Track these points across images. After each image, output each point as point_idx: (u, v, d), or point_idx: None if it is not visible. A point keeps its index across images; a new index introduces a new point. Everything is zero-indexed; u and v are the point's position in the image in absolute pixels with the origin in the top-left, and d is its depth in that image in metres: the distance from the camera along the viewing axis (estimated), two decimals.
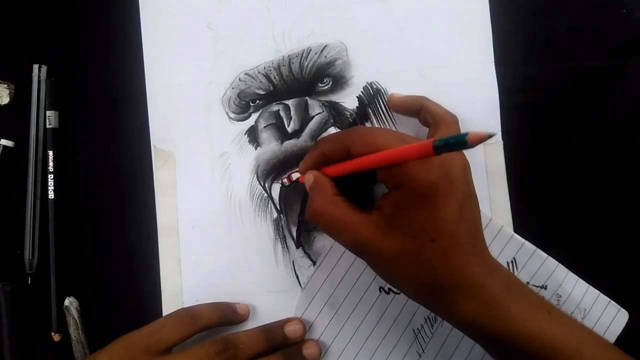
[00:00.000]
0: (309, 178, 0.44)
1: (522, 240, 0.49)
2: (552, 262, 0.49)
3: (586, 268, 0.49)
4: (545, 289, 0.49)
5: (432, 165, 0.39)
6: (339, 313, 0.49)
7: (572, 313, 0.49)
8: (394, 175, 0.41)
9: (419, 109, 0.48)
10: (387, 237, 0.40)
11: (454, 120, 0.47)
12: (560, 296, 0.49)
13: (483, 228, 0.46)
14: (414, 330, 0.49)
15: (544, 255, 0.49)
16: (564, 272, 0.49)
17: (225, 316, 0.48)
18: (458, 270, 0.40)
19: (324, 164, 0.44)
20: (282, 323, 0.49)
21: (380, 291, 0.50)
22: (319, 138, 0.50)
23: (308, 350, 0.48)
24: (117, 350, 0.45)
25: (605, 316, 0.49)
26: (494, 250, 0.48)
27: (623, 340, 0.49)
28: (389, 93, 0.51)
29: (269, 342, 0.47)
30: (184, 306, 0.50)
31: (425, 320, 0.49)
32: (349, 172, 0.43)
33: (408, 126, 0.51)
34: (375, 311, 0.49)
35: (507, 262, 0.49)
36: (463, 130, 0.49)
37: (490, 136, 0.31)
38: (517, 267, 0.49)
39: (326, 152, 0.44)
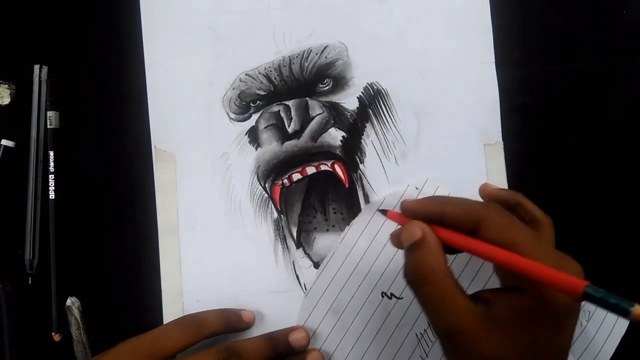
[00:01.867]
0: (415, 230, 0.38)
1: None
2: None
3: (586, 268, 0.49)
4: None
5: (577, 274, 0.35)
6: (342, 319, 0.49)
7: None
8: (520, 277, 0.35)
9: (515, 205, 0.43)
10: (493, 336, 0.35)
11: (550, 223, 0.42)
12: None
13: None
14: (417, 335, 0.49)
15: None
16: None
17: (231, 323, 0.48)
18: None
19: (434, 222, 0.38)
20: (287, 332, 0.48)
21: (382, 296, 0.49)
22: (444, 197, 0.43)
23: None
24: (121, 355, 0.44)
25: (609, 318, 0.49)
26: None
27: (626, 341, 0.49)
28: (482, 184, 0.45)
29: (273, 351, 0.47)
30: (184, 306, 0.50)
31: (428, 325, 0.49)
32: (466, 250, 0.37)
33: (409, 126, 0.51)
34: (378, 316, 0.49)
35: None
36: (465, 131, 0.49)
37: None
38: None
39: (448, 214, 0.38)
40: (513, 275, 0.37)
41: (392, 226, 0.43)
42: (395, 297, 0.49)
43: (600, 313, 0.49)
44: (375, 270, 0.49)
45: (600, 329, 0.49)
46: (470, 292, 0.38)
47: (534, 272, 0.34)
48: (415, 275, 0.37)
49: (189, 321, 0.46)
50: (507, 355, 0.35)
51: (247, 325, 0.49)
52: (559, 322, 0.36)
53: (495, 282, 0.41)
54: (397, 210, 0.41)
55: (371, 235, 0.50)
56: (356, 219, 0.50)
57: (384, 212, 0.44)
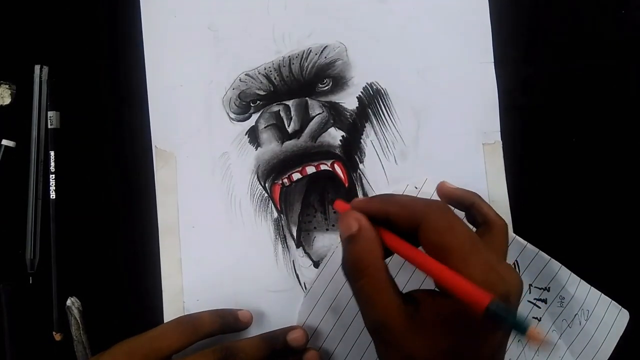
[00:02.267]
0: (352, 223, 0.38)
1: (525, 242, 0.49)
2: (555, 264, 0.49)
3: (585, 268, 0.49)
4: (549, 290, 0.49)
5: (496, 289, 0.34)
6: (342, 318, 0.49)
7: (575, 315, 0.49)
8: None
9: (469, 206, 0.43)
10: (417, 336, 0.35)
11: (503, 227, 0.42)
12: (564, 298, 0.49)
13: None
14: None
15: (547, 257, 0.49)
16: (566, 274, 0.49)
17: (227, 323, 0.48)
18: None
19: (380, 221, 0.38)
20: (285, 331, 0.48)
21: None
22: (389, 196, 0.42)
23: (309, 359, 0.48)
24: (117, 355, 0.44)
25: (608, 317, 0.49)
26: None
27: (625, 340, 0.49)
28: (440, 182, 0.47)
29: (271, 351, 0.47)
30: (185, 305, 0.50)
31: None
32: (399, 254, 0.38)
33: (408, 126, 0.51)
34: None
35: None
36: (464, 131, 0.49)
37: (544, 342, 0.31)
38: (519, 269, 0.49)
39: (391, 213, 0.38)
40: None
41: None
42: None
43: (598, 313, 0.49)
44: None
45: (598, 328, 0.49)
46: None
47: (444, 280, 0.34)
48: (351, 269, 0.38)
49: (185, 322, 0.46)
50: (427, 357, 0.35)
51: (244, 325, 0.49)
52: (480, 334, 0.35)
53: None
54: None
55: None
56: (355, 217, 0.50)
57: (332, 201, 0.44)
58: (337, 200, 0.42)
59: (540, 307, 0.50)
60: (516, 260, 0.49)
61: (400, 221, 0.38)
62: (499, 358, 0.37)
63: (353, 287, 0.38)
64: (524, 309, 0.49)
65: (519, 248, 0.49)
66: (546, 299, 0.49)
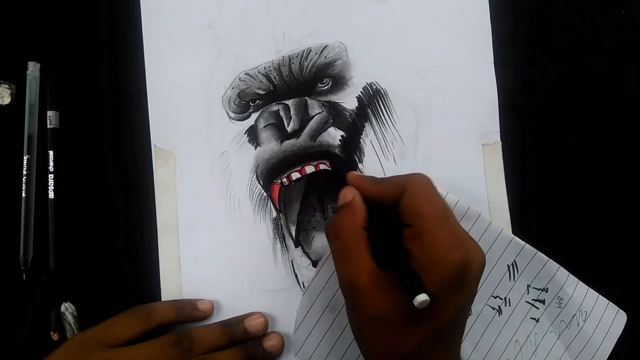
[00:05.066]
0: (347, 194, 0.43)
1: (523, 243, 0.49)
2: (553, 265, 0.49)
3: (584, 268, 0.49)
4: (547, 291, 0.49)
5: (455, 254, 0.38)
6: (340, 316, 0.49)
7: (573, 316, 0.49)
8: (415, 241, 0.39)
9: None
10: (382, 297, 0.38)
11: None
12: (562, 299, 0.49)
13: (483, 231, 0.46)
14: None
15: (545, 258, 0.49)
16: (564, 275, 0.49)
17: (183, 313, 0.48)
18: None
19: (369, 198, 0.43)
20: (243, 318, 0.49)
21: None
22: (377, 178, 0.45)
23: (269, 342, 0.48)
24: (73, 346, 0.46)
25: (606, 318, 0.49)
26: (494, 253, 0.48)
27: (623, 341, 0.49)
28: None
29: (228, 337, 0.47)
30: None
31: None
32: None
33: (408, 126, 0.51)
34: None
35: (508, 265, 0.49)
36: (463, 131, 0.50)
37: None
38: (517, 270, 0.49)
39: (380, 193, 0.42)
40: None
41: None
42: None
43: (596, 314, 0.49)
44: None
45: (596, 329, 0.49)
46: None
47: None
48: (332, 230, 0.41)
49: (138, 310, 0.47)
50: (390, 317, 0.38)
51: (204, 315, 0.49)
52: (441, 300, 0.38)
53: None
54: None
55: None
56: None
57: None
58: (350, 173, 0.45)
59: (538, 308, 0.49)
60: (514, 261, 0.49)
61: (388, 197, 0.41)
62: (460, 321, 0.41)
63: (332, 247, 0.42)
64: (521, 309, 0.49)
65: (517, 249, 0.49)
66: (544, 299, 0.49)
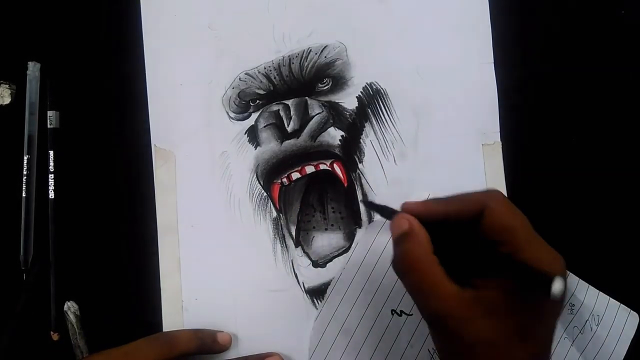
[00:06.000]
0: (403, 222, 0.39)
1: None
2: None
3: (585, 269, 0.49)
4: None
5: (559, 263, 0.37)
6: (353, 339, 0.49)
7: (586, 321, 0.49)
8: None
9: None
10: (478, 320, 0.36)
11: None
12: (574, 305, 0.49)
13: None
14: (429, 351, 0.49)
15: None
16: (575, 281, 0.49)
17: (205, 344, 0.48)
18: None
19: (430, 224, 0.40)
20: (262, 357, 0.48)
21: (392, 314, 0.49)
22: (444, 197, 0.41)
23: None
24: None
25: (618, 321, 0.49)
26: None
27: (637, 343, 0.49)
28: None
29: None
30: (184, 305, 0.50)
31: None
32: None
33: (408, 126, 0.51)
34: (390, 334, 0.49)
35: None
36: (464, 131, 0.50)
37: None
38: None
39: (452, 213, 0.39)
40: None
41: None
42: (406, 313, 0.49)
43: (608, 318, 0.49)
44: (384, 288, 0.49)
45: (610, 332, 0.49)
46: None
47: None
48: (402, 265, 0.39)
49: (160, 339, 0.47)
50: (493, 340, 0.36)
51: (222, 348, 0.49)
52: (541, 310, 0.36)
53: None
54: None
55: (377, 253, 0.50)
56: (361, 238, 0.50)
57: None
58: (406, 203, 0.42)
59: None
60: None
61: (461, 215, 0.39)
62: (552, 338, 0.38)
63: (407, 282, 0.39)
64: None
65: None
66: None
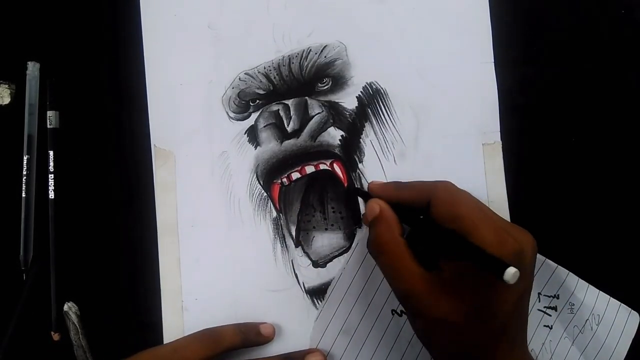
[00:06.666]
0: (375, 207, 0.43)
1: None
2: (562, 271, 0.49)
3: (585, 269, 0.50)
4: (558, 298, 0.49)
5: (508, 247, 0.38)
6: (354, 339, 0.49)
7: (586, 321, 0.49)
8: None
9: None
10: (441, 300, 0.39)
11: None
12: (573, 305, 0.49)
13: None
14: None
15: (554, 265, 0.49)
16: (574, 280, 0.49)
17: (249, 338, 0.48)
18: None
19: (392, 204, 0.44)
20: (303, 353, 0.49)
21: (393, 314, 0.49)
22: (400, 183, 0.48)
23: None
24: None
25: (619, 320, 0.49)
26: None
27: (637, 342, 0.50)
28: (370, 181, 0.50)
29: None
30: (184, 305, 0.50)
31: None
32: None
33: (408, 126, 0.51)
34: (390, 334, 0.49)
35: None
36: (464, 131, 0.49)
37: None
38: None
39: (403, 198, 0.44)
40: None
41: None
42: (405, 313, 0.49)
43: (608, 317, 0.49)
44: (384, 289, 0.49)
45: (610, 332, 0.49)
46: None
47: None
48: (374, 247, 0.43)
49: (207, 335, 0.47)
50: (453, 318, 0.38)
51: (266, 339, 0.49)
52: (500, 291, 0.38)
53: None
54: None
55: None
56: (361, 238, 0.50)
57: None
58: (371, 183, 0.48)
59: (550, 315, 0.49)
60: None
61: (412, 203, 0.43)
62: (522, 313, 0.41)
63: (378, 262, 0.43)
64: (534, 317, 0.49)
65: None
66: (556, 306, 0.49)
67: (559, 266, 0.49)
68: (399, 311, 0.49)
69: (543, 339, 0.49)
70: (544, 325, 0.50)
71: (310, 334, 0.50)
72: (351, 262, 0.50)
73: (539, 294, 0.49)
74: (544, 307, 0.50)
